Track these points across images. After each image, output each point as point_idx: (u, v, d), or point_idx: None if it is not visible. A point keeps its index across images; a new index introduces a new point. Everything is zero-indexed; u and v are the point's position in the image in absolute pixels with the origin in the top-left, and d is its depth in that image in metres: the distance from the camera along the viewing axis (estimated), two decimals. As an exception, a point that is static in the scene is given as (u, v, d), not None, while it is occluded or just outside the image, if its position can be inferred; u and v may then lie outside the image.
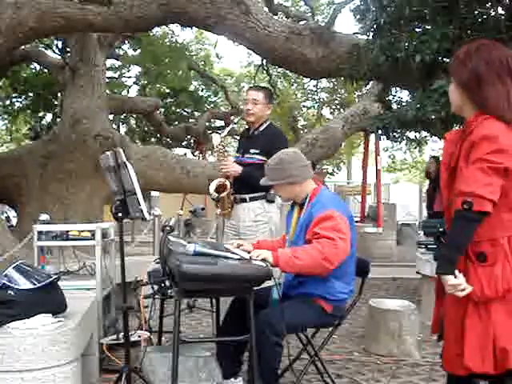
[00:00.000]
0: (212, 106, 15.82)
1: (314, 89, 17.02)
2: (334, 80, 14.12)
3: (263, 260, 2.38)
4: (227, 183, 3.45)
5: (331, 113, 17.04)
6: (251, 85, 13.81)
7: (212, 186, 3.49)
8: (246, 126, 3.77)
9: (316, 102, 17.56)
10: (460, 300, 1.85)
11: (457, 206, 1.80)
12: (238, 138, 4.08)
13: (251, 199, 3.46)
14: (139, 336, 3.12)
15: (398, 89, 6.51)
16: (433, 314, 2.14)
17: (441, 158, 2.11)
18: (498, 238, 1.84)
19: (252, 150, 3.48)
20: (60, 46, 9.35)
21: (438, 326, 2.08)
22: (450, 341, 1.94)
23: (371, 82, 8.49)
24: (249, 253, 2.48)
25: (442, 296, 2.01)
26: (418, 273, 5.24)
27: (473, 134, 1.84)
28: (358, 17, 5.32)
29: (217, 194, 3.46)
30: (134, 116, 14.84)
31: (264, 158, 3.39)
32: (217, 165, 3.54)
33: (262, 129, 3.56)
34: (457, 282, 1.80)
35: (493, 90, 1.84)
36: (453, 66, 1.94)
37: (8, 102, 12.05)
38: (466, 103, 1.91)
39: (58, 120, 9.48)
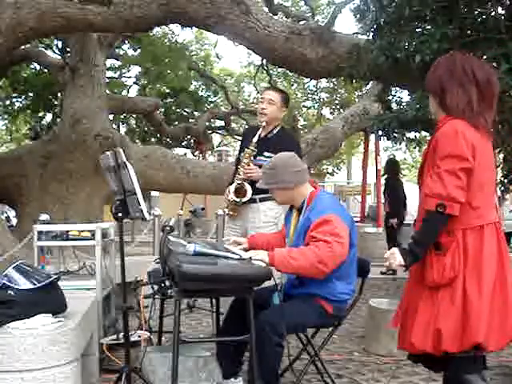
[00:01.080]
0: (212, 105, 15.82)
1: (314, 89, 17.04)
2: (334, 80, 14.11)
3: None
4: (247, 188, 3.36)
5: (331, 113, 17.04)
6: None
7: (232, 189, 3.40)
8: (259, 124, 3.55)
9: (316, 102, 17.57)
10: (419, 286, 2.06)
11: (429, 207, 1.94)
12: (242, 136, 3.96)
13: (261, 200, 3.39)
14: (139, 336, 3.12)
15: (398, 89, 6.51)
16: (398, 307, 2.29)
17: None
18: (453, 230, 1.98)
19: (266, 154, 3.37)
20: (60, 45, 9.37)
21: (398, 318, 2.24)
22: (406, 322, 2.12)
23: (371, 82, 8.49)
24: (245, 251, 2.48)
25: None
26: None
27: (438, 131, 2.01)
28: (357, 17, 5.31)
29: (237, 199, 3.37)
30: (134, 116, 14.84)
31: None
32: (242, 169, 3.39)
33: (275, 132, 3.49)
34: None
35: (454, 97, 2.01)
36: (427, 76, 2.12)
37: (8, 102, 12.06)
38: (438, 110, 2.09)
39: (58, 120, 9.48)
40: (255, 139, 3.41)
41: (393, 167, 8.12)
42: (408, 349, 2.11)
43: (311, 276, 2.50)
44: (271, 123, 3.47)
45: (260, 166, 3.35)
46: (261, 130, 3.46)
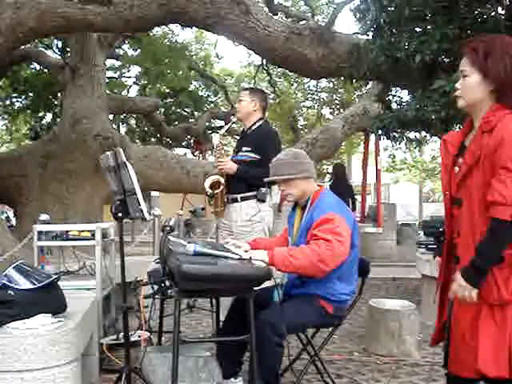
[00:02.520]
0: (212, 106, 15.81)
1: (314, 89, 17.01)
2: (334, 80, 14.10)
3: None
4: (221, 180, 3.50)
5: (331, 113, 17.03)
6: (250, 85, 13.87)
7: (207, 183, 3.54)
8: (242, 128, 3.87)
9: (316, 102, 17.55)
10: (471, 303, 1.81)
11: (501, 216, 1.73)
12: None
13: (242, 199, 3.51)
14: (139, 336, 3.12)
15: (398, 89, 6.51)
16: (436, 323, 2.09)
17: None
18: None
19: (244, 148, 3.55)
20: (60, 45, 9.35)
21: (441, 334, 2.04)
22: (458, 343, 1.89)
23: (371, 82, 8.49)
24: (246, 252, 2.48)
25: (446, 299, 2.00)
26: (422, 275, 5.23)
27: (498, 129, 1.79)
28: (357, 17, 5.32)
29: (211, 191, 3.51)
30: (134, 116, 14.83)
31: (255, 156, 3.48)
32: (215, 162, 3.58)
33: (254, 128, 3.63)
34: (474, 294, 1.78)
35: None
36: (486, 62, 1.85)
37: (8, 102, 12.05)
38: (488, 99, 1.87)
39: (58, 120, 9.47)
40: (222, 131, 3.80)
41: (340, 171, 8.59)
42: (475, 377, 1.86)
43: (311, 275, 2.49)
44: (247, 119, 3.65)
45: (240, 162, 3.51)
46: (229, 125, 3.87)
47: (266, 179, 2.91)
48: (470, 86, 1.88)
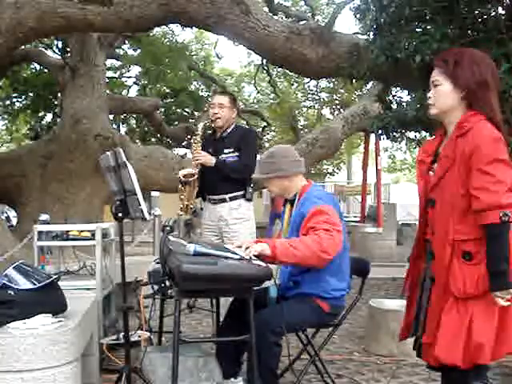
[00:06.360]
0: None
1: (314, 89, 17.02)
2: (334, 80, 14.11)
3: (257, 257, 2.35)
4: (192, 171, 3.51)
5: (331, 113, 17.05)
6: (251, 85, 13.88)
7: (182, 172, 3.55)
8: (210, 131, 3.84)
9: (316, 102, 17.57)
10: (443, 295, 1.95)
11: (493, 220, 1.82)
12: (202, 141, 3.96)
13: (231, 199, 3.55)
14: (139, 336, 3.12)
15: (398, 89, 6.51)
16: (404, 321, 2.22)
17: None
18: (483, 238, 1.88)
19: (226, 150, 3.57)
20: (60, 45, 9.36)
21: (408, 329, 2.19)
22: (428, 332, 2.02)
23: (371, 82, 8.49)
24: (247, 248, 2.45)
25: (414, 296, 2.15)
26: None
27: (472, 134, 1.89)
28: (358, 17, 5.32)
29: (183, 178, 3.52)
30: (134, 116, 14.84)
31: (238, 155, 3.55)
32: (192, 157, 3.61)
33: (229, 130, 3.64)
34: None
35: (493, 96, 1.97)
36: (455, 71, 1.98)
37: (8, 102, 12.06)
38: (460, 106, 1.99)
39: (58, 120, 9.48)
40: (200, 130, 3.62)
41: None
42: (430, 362, 2.03)
43: (313, 265, 2.49)
44: (224, 126, 3.63)
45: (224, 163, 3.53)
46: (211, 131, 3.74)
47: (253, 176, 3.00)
48: (442, 94, 2.00)
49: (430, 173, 2.07)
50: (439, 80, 2.01)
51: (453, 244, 1.93)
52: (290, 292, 2.66)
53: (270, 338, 2.39)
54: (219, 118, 3.58)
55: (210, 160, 3.51)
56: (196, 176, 3.51)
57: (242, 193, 3.57)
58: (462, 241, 1.92)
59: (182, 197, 3.58)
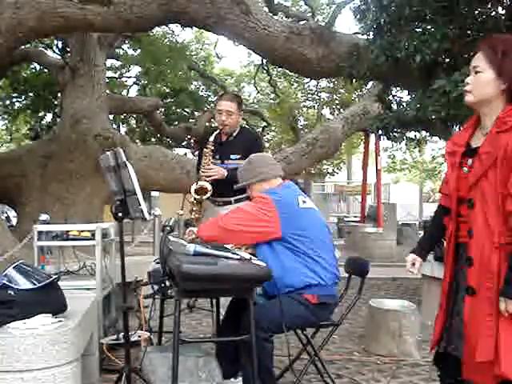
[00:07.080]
0: (212, 106, 15.81)
1: (314, 89, 17.02)
2: (334, 80, 14.11)
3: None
4: (208, 186, 3.47)
5: (331, 113, 17.05)
6: (251, 84, 13.85)
7: (193, 188, 3.51)
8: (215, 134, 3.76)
9: (316, 102, 17.56)
10: (489, 307, 1.77)
11: None
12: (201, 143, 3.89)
13: (236, 201, 3.51)
14: (139, 336, 3.12)
15: (398, 89, 6.52)
16: (436, 326, 2.04)
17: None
18: None
19: (233, 156, 3.53)
20: (60, 45, 9.36)
21: (442, 340, 2.00)
22: (480, 351, 1.79)
23: (371, 82, 8.49)
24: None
25: (450, 306, 1.96)
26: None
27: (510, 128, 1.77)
28: (358, 17, 5.33)
29: (198, 196, 3.48)
30: (134, 116, 14.84)
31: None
32: (203, 170, 3.52)
33: (235, 134, 3.61)
34: None
35: None
36: (503, 60, 1.82)
37: (8, 102, 12.06)
38: (498, 98, 1.85)
39: (58, 120, 9.48)
40: (212, 138, 3.55)
41: None
42: (496, 382, 1.79)
43: (221, 238, 2.61)
44: (231, 130, 3.61)
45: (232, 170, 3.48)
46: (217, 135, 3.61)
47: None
48: (483, 82, 1.84)
49: (464, 169, 1.90)
50: (481, 67, 1.84)
51: (499, 249, 1.76)
52: (275, 290, 2.62)
53: (258, 335, 2.36)
54: (227, 125, 3.55)
55: (223, 174, 3.46)
56: (210, 194, 3.48)
57: (246, 195, 3.53)
58: (508, 244, 1.76)
59: (193, 212, 3.54)
